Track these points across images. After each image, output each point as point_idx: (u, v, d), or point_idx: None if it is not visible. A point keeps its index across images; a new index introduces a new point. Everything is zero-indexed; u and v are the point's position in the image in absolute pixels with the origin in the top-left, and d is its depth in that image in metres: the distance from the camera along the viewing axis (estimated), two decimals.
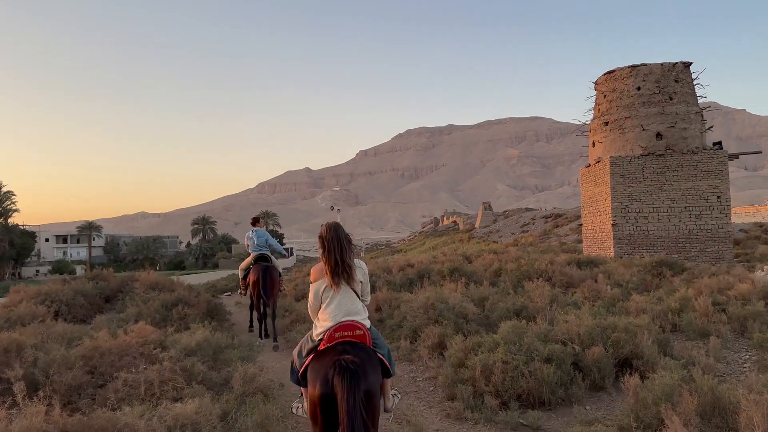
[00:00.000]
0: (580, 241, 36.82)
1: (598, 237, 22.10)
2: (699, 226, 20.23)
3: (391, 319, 9.45)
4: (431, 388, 6.92)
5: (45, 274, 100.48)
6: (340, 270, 3.74)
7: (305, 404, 3.86)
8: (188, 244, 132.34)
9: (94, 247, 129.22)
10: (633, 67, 21.18)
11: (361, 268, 3.92)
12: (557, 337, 6.88)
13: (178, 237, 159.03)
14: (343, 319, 3.71)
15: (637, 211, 20.49)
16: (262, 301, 9.76)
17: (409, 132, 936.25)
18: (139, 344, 5.80)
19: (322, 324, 3.78)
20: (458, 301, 8.91)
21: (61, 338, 6.86)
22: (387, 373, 3.85)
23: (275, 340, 9.55)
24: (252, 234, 10.47)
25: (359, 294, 3.90)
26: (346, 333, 3.69)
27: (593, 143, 22.47)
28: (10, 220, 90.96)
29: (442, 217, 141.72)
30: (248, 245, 10.33)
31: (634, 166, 20.45)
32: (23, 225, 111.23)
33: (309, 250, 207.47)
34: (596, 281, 11.96)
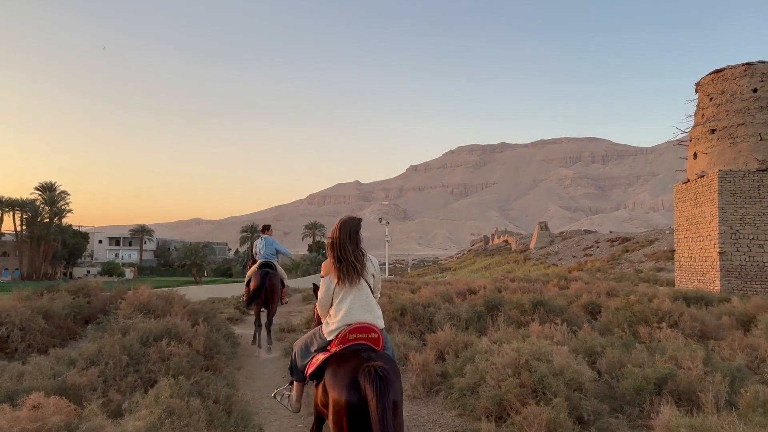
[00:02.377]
0: (660, 269, 32.87)
1: (698, 267, 18.41)
2: None
3: (461, 376, 6.46)
4: None
5: (95, 275, 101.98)
6: (347, 265, 3.59)
7: (293, 395, 3.99)
8: (236, 252, 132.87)
9: (146, 250, 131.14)
10: (748, 64, 17.59)
11: (372, 264, 3.78)
12: None
13: (227, 244, 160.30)
14: (359, 317, 3.58)
15: (751, 237, 16.80)
16: (261, 307, 9.85)
17: (460, 149, 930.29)
18: None
19: (334, 321, 3.62)
20: (567, 361, 5.83)
21: None
22: None
23: (269, 343, 9.58)
24: (261, 242, 10.40)
25: (372, 288, 3.77)
26: (360, 335, 3.53)
27: (694, 155, 18.90)
28: (63, 221, 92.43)
29: (493, 235, 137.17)
30: (256, 253, 10.29)
31: (748, 182, 16.78)
32: (78, 226, 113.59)
33: None
34: (746, 332, 8.63)
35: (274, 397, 4.28)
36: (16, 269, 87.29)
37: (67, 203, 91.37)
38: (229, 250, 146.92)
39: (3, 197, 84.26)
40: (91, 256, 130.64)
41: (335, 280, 3.64)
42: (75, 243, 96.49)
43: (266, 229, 10.88)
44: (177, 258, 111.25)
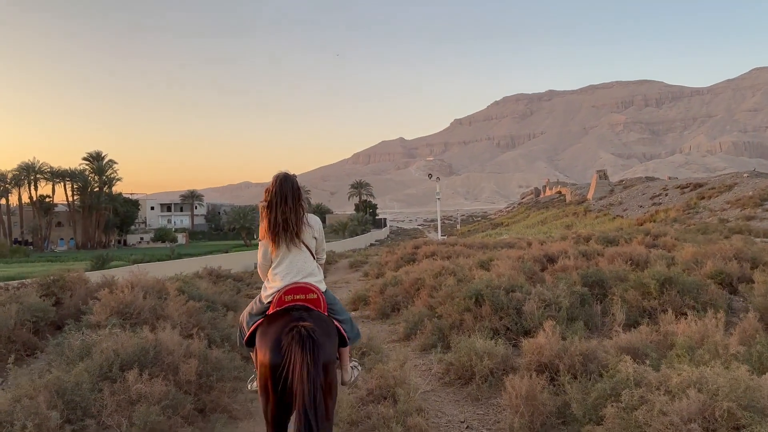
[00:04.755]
0: (750, 218, 29.02)
1: None
2: None
3: (598, 423, 4.01)
4: None
5: (148, 242, 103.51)
6: (280, 229, 3.42)
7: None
8: None
9: (196, 215, 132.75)
10: None
11: (311, 226, 3.57)
12: None
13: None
14: (294, 280, 3.43)
15: None
16: None
17: (506, 99, 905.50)
18: None
19: (272, 285, 3.48)
20: None
21: None
22: (344, 343, 3.53)
23: None
24: None
25: (313, 252, 3.60)
26: (298, 296, 3.41)
27: None
28: (114, 189, 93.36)
29: (544, 187, 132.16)
30: None
31: None
32: (130, 194, 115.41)
33: (403, 221, 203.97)
34: None
35: (249, 388, 3.79)
36: (71, 239, 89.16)
37: (115, 171, 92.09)
38: None
39: (54, 168, 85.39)
40: (145, 222, 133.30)
41: (270, 244, 3.47)
42: (126, 211, 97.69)
43: None
44: (227, 222, 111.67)
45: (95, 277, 7.78)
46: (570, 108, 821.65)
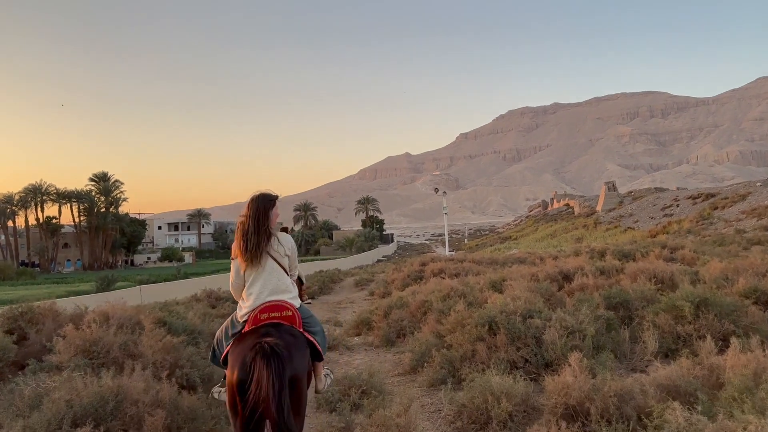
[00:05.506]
0: None
1: None
2: None
3: None
4: None
5: (155, 262, 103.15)
6: (252, 248, 3.45)
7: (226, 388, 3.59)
8: (291, 230, 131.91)
9: (204, 234, 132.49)
10: None
11: (282, 245, 3.62)
12: None
13: (282, 223, 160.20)
14: (268, 299, 3.46)
15: None
16: None
17: (511, 113, 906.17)
18: None
19: (246, 304, 3.49)
20: None
21: None
22: (318, 356, 3.59)
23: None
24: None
25: (287, 269, 3.64)
26: (273, 314, 3.43)
27: None
28: (120, 209, 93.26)
29: (552, 199, 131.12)
30: None
31: None
32: (137, 214, 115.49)
33: (410, 236, 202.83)
34: None
35: (215, 397, 3.74)
36: (78, 260, 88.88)
37: (121, 192, 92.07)
38: (285, 228, 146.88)
39: (60, 190, 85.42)
40: (152, 242, 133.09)
41: (242, 263, 3.50)
42: (133, 231, 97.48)
43: (284, 231, 10.81)
44: (234, 240, 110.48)
45: (71, 305, 7.12)
46: (575, 120, 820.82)
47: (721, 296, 6.63)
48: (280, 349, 3.11)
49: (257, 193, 3.61)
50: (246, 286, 3.52)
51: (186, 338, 5.82)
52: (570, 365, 4.88)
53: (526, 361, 5.78)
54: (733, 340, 5.22)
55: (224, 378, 3.65)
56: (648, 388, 4.46)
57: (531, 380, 5.38)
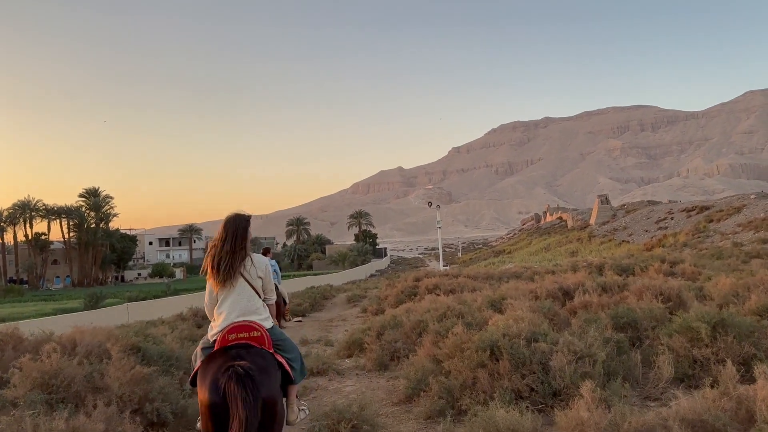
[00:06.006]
0: (766, 241, 27.85)
1: None
2: None
3: None
4: None
5: (145, 278, 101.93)
6: (223, 268, 3.45)
7: None
8: (284, 245, 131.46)
9: (195, 249, 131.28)
10: None
11: (255, 266, 3.58)
12: None
13: (274, 238, 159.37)
14: (237, 320, 3.44)
15: None
16: None
17: (502, 127, 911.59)
18: None
19: (216, 323, 3.51)
20: None
21: None
22: (290, 380, 3.52)
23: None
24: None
25: (260, 291, 3.62)
26: (241, 334, 3.40)
27: None
28: (110, 225, 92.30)
29: (545, 213, 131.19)
30: None
31: None
32: (128, 229, 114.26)
33: (404, 250, 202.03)
34: None
35: (198, 428, 3.50)
36: (68, 276, 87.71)
37: (111, 207, 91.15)
38: (277, 244, 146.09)
39: (49, 206, 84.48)
40: (143, 258, 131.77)
41: (214, 283, 3.52)
42: (123, 246, 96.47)
43: (267, 252, 11.28)
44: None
45: (37, 329, 6.57)
46: (566, 134, 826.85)
47: (738, 316, 6.18)
48: (253, 372, 3.10)
49: (232, 215, 3.63)
50: (217, 306, 3.54)
51: (159, 367, 5.29)
52: (582, 396, 4.42)
53: (532, 389, 5.29)
54: (759, 366, 4.77)
55: None
56: (672, 423, 3.98)
57: (538, 411, 4.90)
